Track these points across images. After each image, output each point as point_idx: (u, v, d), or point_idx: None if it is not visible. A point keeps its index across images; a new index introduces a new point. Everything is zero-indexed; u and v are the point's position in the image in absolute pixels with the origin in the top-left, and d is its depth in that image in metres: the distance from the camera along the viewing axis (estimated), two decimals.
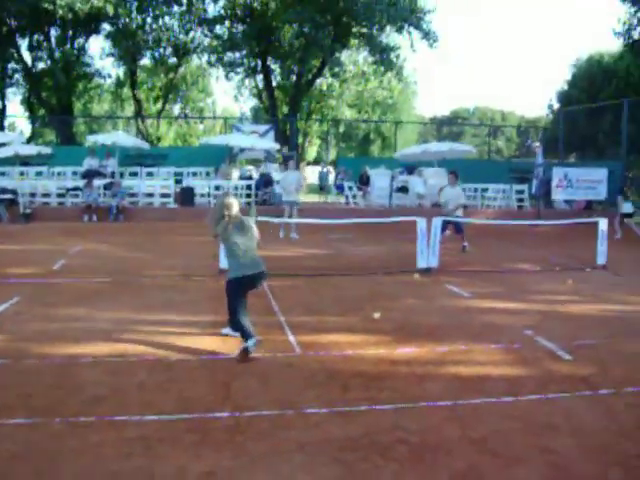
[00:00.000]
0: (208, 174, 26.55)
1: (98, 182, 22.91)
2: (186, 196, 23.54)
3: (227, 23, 34.50)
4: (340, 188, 27.85)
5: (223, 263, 11.84)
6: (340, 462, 4.67)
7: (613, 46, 35.56)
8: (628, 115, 29.21)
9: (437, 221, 12.84)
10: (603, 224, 13.96)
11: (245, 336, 7.16)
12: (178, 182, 25.26)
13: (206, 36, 36.57)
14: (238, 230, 7.42)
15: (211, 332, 8.05)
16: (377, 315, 8.89)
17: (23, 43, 37.54)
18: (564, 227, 18.99)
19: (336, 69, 36.43)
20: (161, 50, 39.60)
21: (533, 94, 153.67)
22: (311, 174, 44.36)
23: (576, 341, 7.99)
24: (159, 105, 45.67)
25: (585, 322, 9.07)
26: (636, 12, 31.61)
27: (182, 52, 39.88)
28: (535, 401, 5.97)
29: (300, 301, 9.96)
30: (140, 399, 5.83)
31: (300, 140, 43.42)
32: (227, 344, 7.49)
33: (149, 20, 36.72)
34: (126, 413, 5.49)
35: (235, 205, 7.53)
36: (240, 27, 34.62)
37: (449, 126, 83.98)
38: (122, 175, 25.29)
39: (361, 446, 4.92)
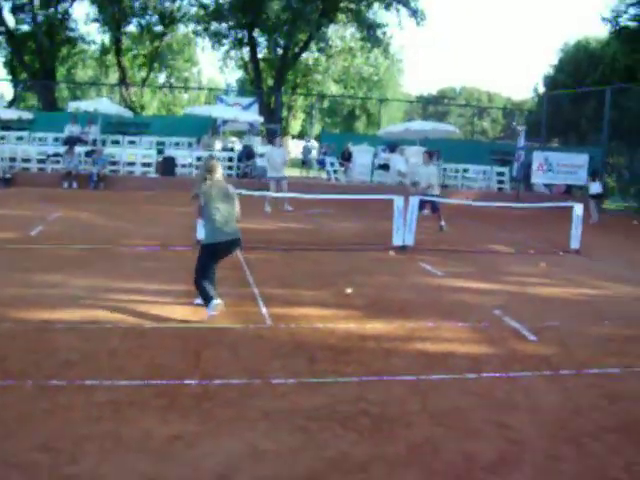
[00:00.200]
0: (190, 144, 26.49)
1: (79, 149, 22.85)
2: (167, 166, 23.54)
3: None
4: (322, 163, 27.93)
5: (200, 234, 11.98)
6: (302, 430, 4.82)
7: (600, 32, 35.78)
8: (612, 102, 29.43)
9: (414, 200, 12.99)
10: (578, 209, 14.16)
11: (204, 297, 7.39)
12: (160, 152, 25.21)
13: (192, 5, 36.32)
14: (219, 195, 7.50)
15: (185, 301, 8.17)
16: (349, 290, 9.05)
17: (6, 5, 37.02)
18: (542, 210, 19.23)
19: (322, 44, 36.33)
20: (147, 17, 39.26)
21: (520, 77, 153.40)
22: (295, 148, 44.37)
23: (542, 322, 8.19)
24: (144, 73, 45.36)
25: (553, 304, 9.27)
26: None
27: (168, 20, 39.55)
28: (497, 379, 6.15)
29: (275, 274, 10.10)
30: (111, 364, 5.95)
31: (284, 114, 43.34)
32: (200, 313, 7.60)
33: None
34: (97, 377, 5.61)
35: (218, 169, 7.67)
36: None
37: (435, 105, 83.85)
38: (104, 143, 25.19)
39: (324, 416, 5.08)
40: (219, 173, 7.66)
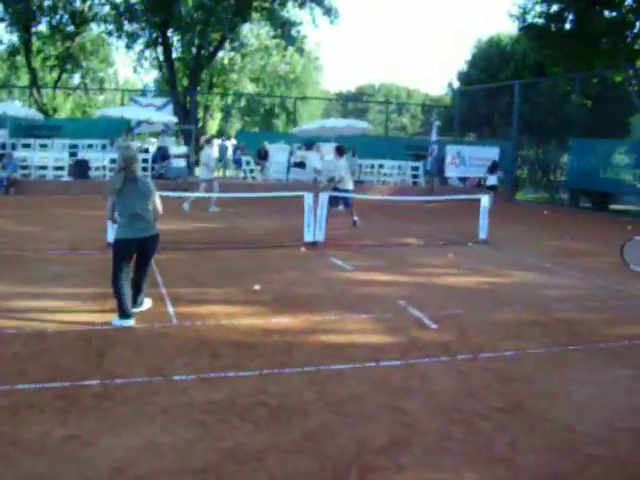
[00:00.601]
0: (104, 147, 26.12)
1: None
2: (80, 169, 23.18)
3: None
4: (238, 162, 27.93)
5: (110, 236, 11.91)
6: (199, 424, 4.92)
7: (512, 28, 36.63)
8: (523, 97, 30.32)
9: (324, 196, 13.18)
10: (485, 200, 14.59)
11: (118, 305, 7.28)
12: (73, 155, 24.79)
13: (103, 4, 35.71)
14: (134, 188, 7.28)
15: (91, 304, 8.13)
16: (257, 287, 9.15)
17: None
18: (454, 203, 19.71)
19: (237, 43, 36.26)
20: (57, 17, 38.38)
21: (438, 73, 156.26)
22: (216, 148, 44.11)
23: (444, 311, 8.47)
24: (56, 75, 44.37)
25: (456, 293, 9.58)
26: None
27: (79, 20, 38.75)
28: (395, 366, 6.36)
29: (184, 274, 10.13)
30: (12, 369, 5.91)
31: (201, 114, 43.08)
32: (105, 315, 7.60)
33: None
34: None
35: (136, 160, 7.39)
36: None
37: (354, 102, 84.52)
38: (14, 147, 24.58)
39: (222, 409, 5.19)
40: (136, 165, 7.37)
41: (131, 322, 7.28)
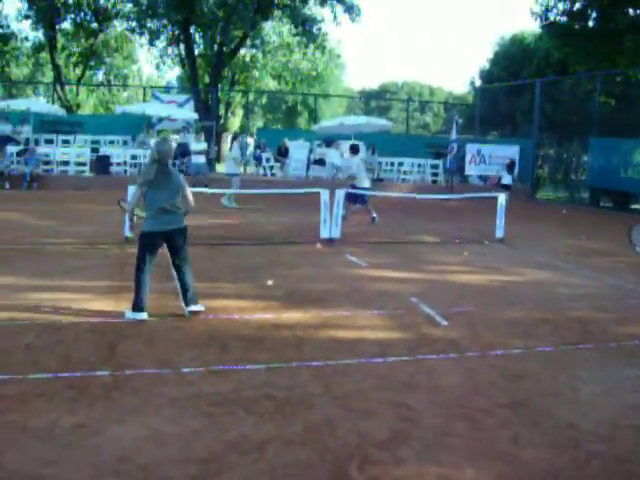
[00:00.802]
0: (126, 143, 26.38)
1: (11, 149, 22.57)
2: (102, 164, 23.45)
3: None
4: (258, 159, 28.06)
5: (128, 231, 12.06)
6: (206, 415, 5.01)
7: (535, 26, 36.45)
8: (545, 94, 30.22)
9: (340, 193, 13.25)
10: (502, 199, 14.58)
11: (134, 299, 7.33)
12: (95, 150, 25.06)
13: (127, 1, 35.98)
14: (165, 181, 7.30)
15: (105, 297, 8.26)
16: (270, 282, 9.25)
17: None
18: (473, 201, 19.69)
19: (258, 40, 36.41)
20: (81, 14, 38.74)
21: (461, 71, 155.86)
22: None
23: (455, 308, 8.51)
24: (79, 71, 44.75)
25: (469, 291, 9.61)
26: None
27: (102, 17, 39.10)
28: (402, 362, 6.41)
29: (198, 268, 10.09)
30: (25, 359, 6.04)
31: (222, 111, 43.25)
32: (119, 307, 7.73)
33: None
34: (9, 372, 5.70)
35: (170, 153, 7.51)
36: None
37: (377, 100, 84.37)
38: (37, 142, 24.91)
39: (228, 401, 5.27)
40: (169, 158, 7.49)
41: (144, 316, 7.33)
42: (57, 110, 27.35)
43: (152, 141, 25.87)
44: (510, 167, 22.92)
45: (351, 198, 15.83)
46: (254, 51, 41.42)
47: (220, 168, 29.40)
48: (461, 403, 5.50)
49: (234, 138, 20.97)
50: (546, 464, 4.54)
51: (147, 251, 7.38)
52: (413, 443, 4.73)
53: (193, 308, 7.54)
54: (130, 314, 7.34)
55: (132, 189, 12.21)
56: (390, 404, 5.39)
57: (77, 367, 5.88)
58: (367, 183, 16.54)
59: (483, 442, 4.82)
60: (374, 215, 16.41)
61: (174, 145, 26.14)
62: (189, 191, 7.56)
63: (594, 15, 31.41)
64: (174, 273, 7.58)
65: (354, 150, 16.92)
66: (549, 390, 5.89)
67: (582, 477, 4.41)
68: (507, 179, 22.59)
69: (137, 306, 7.34)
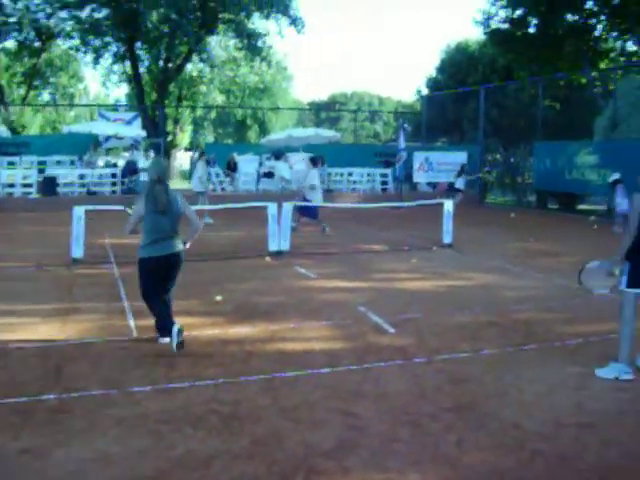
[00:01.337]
0: (73, 163, 26.07)
1: None
2: (49, 186, 23.15)
3: (89, 8, 33.57)
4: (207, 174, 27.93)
5: (75, 252, 11.96)
6: (153, 433, 5.00)
7: (479, 34, 37.05)
8: (491, 100, 30.72)
9: (288, 206, 13.29)
10: (448, 205, 14.78)
11: (157, 325, 7.04)
12: (41, 171, 24.73)
13: (69, 20, 35.58)
14: (161, 204, 6.94)
15: (52, 320, 8.17)
16: (219, 298, 9.24)
17: None
18: (423, 209, 19.84)
19: (204, 55, 36.36)
20: (24, 33, 38.24)
21: (410, 80, 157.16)
22: (185, 161, 44.14)
23: (403, 315, 8.60)
24: (24, 91, 44.23)
25: (417, 298, 9.72)
26: (495, 1, 32.94)
27: (45, 36, 38.68)
28: (350, 371, 6.47)
29: None
30: None
31: (171, 127, 43.06)
32: (65, 330, 7.66)
33: (6, 1, 35.12)
34: None
35: (168, 173, 7.34)
36: (105, 11, 33.84)
37: (326, 111, 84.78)
38: None
39: (175, 418, 5.27)
40: (166, 177, 7.13)
41: (172, 340, 6.75)
42: (1, 131, 26.92)
43: (100, 160, 25.73)
44: (460, 172, 23.44)
45: (302, 210, 16.03)
46: (201, 66, 41.32)
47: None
48: (407, 409, 5.58)
49: (200, 155, 20.92)
50: (491, 466, 4.63)
51: (149, 278, 7.05)
52: (359, 451, 4.78)
53: (176, 327, 6.72)
54: (161, 339, 7.08)
55: (77, 210, 12.16)
56: (338, 413, 5.44)
57: (22, 392, 5.81)
58: (320, 196, 16.80)
59: (428, 447, 4.90)
60: (324, 225, 16.53)
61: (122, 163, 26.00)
62: (192, 210, 7.40)
63: (534, 22, 32.08)
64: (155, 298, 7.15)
65: (315, 162, 17.28)
66: (494, 392, 5.99)
67: (527, 477, 4.50)
68: (459, 183, 23.10)
69: (165, 330, 6.87)
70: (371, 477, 4.43)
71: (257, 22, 36.02)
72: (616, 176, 18.61)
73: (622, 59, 32.09)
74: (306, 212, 16.39)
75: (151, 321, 8.01)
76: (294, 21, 34.50)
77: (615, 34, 32.23)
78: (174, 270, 7.16)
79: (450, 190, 23.36)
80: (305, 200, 16.31)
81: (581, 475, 4.50)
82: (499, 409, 5.60)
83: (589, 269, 7.19)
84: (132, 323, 8.07)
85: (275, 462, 4.58)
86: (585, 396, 5.89)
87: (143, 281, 7.07)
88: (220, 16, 34.38)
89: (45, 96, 53.39)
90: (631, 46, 32.21)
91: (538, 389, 6.07)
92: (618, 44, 33.31)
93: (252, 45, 33.94)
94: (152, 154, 20.00)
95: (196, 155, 20.40)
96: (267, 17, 34.74)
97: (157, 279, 7.06)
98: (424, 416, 5.44)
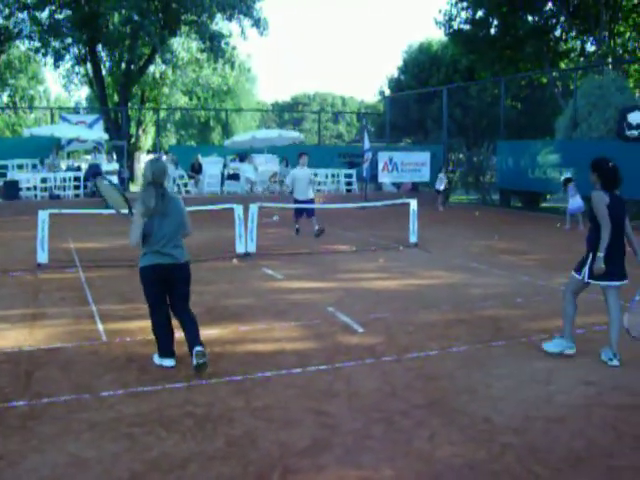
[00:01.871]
0: (35, 166, 25.80)
1: None
2: (10, 190, 22.88)
3: (49, 9, 33.22)
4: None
5: (41, 257, 11.85)
6: (126, 437, 5.00)
7: (441, 34, 37.29)
8: (454, 100, 31.01)
9: (254, 207, 13.30)
10: (413, 204, 14.90)
11: (157, 344, 6.63)
12: (2, 175, 24.45)
13: (27, 21, 35.15)
14: (164, 206, 6.33)
15: (20, 326, 8.10)
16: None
17: None
18: (388, 209, 19.99)
19: (167, 57, 36.15)
20: None
21: (372, 80, 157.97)
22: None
23: (371, 315, 8.67)
24: None
25: (384, 297, 9.80)
26: (457, 3, 33.24)
27: (3, 37, 38.15)
28: (321, 371, 6.52)
29: (115, 290, 10.14)
30: None
31: (134, 129, 42.75)
32: (34, 336, 7.61)
33: None
34: None
35: (166, 174, 6.60)
36: (66, 12, 33.49)
37: (290, 112, 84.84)
38: None
39: (149, 421, 5.27)
40: (166, 182, 6.54)
41: (169, 362, 6.52)
42: None
43: (62, 163, 25.47)
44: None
45: (300, 212, 16.30)
46: (163, 67, 41.09)
47: (134, 187, 29.08)
48: (379, 407, 5.64)
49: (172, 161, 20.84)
50: (463, 459, 4.70)
51: (151, 290, 6.49)
52: (333, 449, 4.83)
53: (197, 349, 6.29)
54: (156, 359, 6.62)
55: (42, 217, 12.04)
56: (310, 413, 5.49)
57: None
58: (299, 196, 16.73)
59: (401, 443, 4.96)
60: (298, 227, 16.73)
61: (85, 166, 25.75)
62: (187, 217, 6.69)
63: (496, 23, 32.45)
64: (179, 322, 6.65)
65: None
66: (464, 388, 6.08)
67: (498, 469, 4.58)
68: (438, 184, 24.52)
69: (160, 350, 6.58)
70: (346, 474, 4.47)
71: (220, 23, 35.96)
72: (567, 175, 19.08)
73: (581, 59, 32.59)
74: (303, 212, 16.50)
75: (121, 325, 8.07)
76: (257, 22, 34.49)
77: (574, 35, 32.73)
78: (179, 283, 6.53)
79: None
80: (300, 202, 16.48)
81: (551, 466, 4.59)
82: (469, 404, 5.69)
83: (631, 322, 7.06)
84: (101, 327, 8.03)
85: (251, 462, 4.61)
86: (553, 390, 6.01)
87: (146, 293, 6.54)
88: (182, 17, 34.24)
89: (4, 98, 52.72)
90: (590, 47, 32.74)
91: (507, 384, 6.17)
92: (577, 44, 33.83)
93: (215, 47, 33.82)
94: (114, 156, 19.85)
95: (164, 158, 20.10)
96: (230, 19, 34.70)
97: (160, 291, 6.50)
98: (396, 413, 5.50)
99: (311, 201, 16.71)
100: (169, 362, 6.51)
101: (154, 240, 6.32)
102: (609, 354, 6.75)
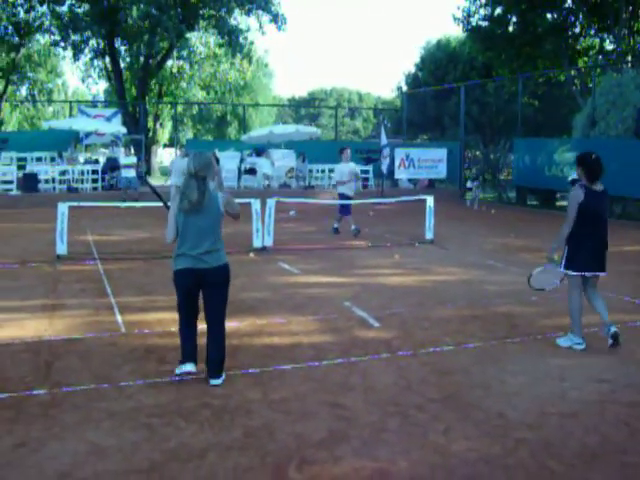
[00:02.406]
0: (53, 159, 25.99)
1: None
2: (29, 182, 23.07)
3: (69, 3, 33.37)
4: None
5: (60, 249, 11.98)
6: (146, 427, 5.08)
7: (459, 31, 37.23)
8: (471, 97, 30.90)
9: (271, 202, 13.38)
10: (430, 201, 14.92)
11: (181, 350, 6.11)
12: (21, 168, 24.66)
13: (48, 15, 35.37)
14: (198, 205, 5.88)
15: (39, 316, 8.21)
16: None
17: None
18: (405, 205, 19.98)
19: (185, 51, 36.27)
20: (1, 28, 37.99)
21: (390, 75, 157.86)
22: (169, 157, 44.01)
23: (387, 310, 8.73)
24: (1, 87, 43.88)
25: (400, 293, 9.84)
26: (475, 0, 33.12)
27: (24, 31, 38.43)
28: (337, 364, 6.58)
29: (133, 283, 10.25)
30: None
31: (151, 123, 42.93)
32: (53, 326, 7.71)
33: None
34: None
35: (210, 168, 6.07)
36: (85, 6, 33.65)
37: (306, 107, 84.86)
38: None
39: (168, 412, 5.35)
40: (209, 177, 6.01)
41: (189, 368, 5.98)
42: None
43: (81, 156, 25.65)
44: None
45: (347, 208, 15.83)
46: (181, 62, 41.23)
47: (151, 181, 29.20)
48: (394, 400, 5.69)
49: (185, 155, 20.80)
50: (478, 453, 4.75)
51: (181, 295, 6.03)
52: (350, 441, 4.89)
53: (212, 382, 5.97)
54: (177, 370, 6.06)
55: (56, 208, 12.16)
56: (326, 405, 5.55)
57: (14, 387, 5.86)
58: (344, 190, 16.23)
59: (417, 436, 5.02)
60: (356, 226, 15.91)
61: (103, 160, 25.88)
62: (232, 200, 6.28)
63: (514, 20, 32.30)
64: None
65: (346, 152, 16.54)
66: (479, 383, 6.12)
67: (512, 463, 4.62)
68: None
69: (181, 357, 6.09)
70: (362, 466, 4.53)
71: (238, 18, 36.04)
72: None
73: (600, 57, 32.42)
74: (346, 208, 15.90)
75: (139, 316, 8.17)
76: (275, 17, 34.53)
77: (593, 32, 32.56)
78: (213, 289, 6.05)
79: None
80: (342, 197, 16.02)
81: (565, 461, 4.63)
82: (484, 399, 5.73)
83: (535, 276, 7.66)
84: (119, 319, 8.13)
85: (268, 453, 4.68)
86: (567, 387, 6.04)
87: (177, 297, 6.09)
88: (201, 12, 34.33)
89: (23, 91, 53.04)
90: (609, 44, 32.55)
91: (522, 380, 6.21)
92: (596, 42, 33.65)
93: (233, 41, 33.88)
94: (132, 150, 19.97)
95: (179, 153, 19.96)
96: (248, 13, 34.76)
97: (188, 298, 6.02)
98: (411, 407, 5.56)
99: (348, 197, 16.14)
100: (188, 367, 5.97)
101: (186, 240, 5.90)
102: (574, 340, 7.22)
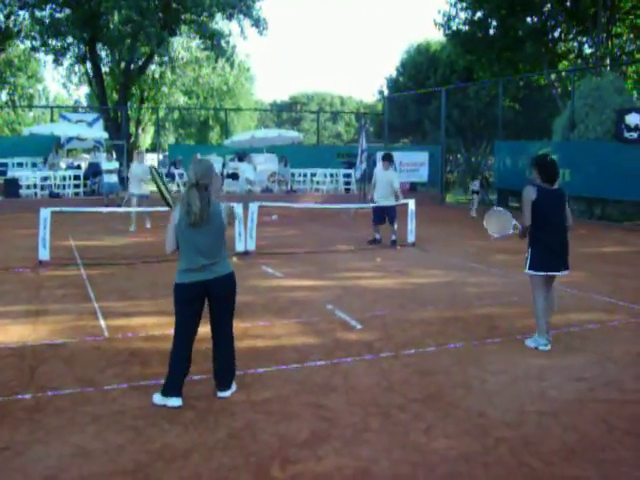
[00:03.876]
0: (35, 165, 25.91)
1: None
2: (11, 188, 22.99)
3: (50, 8, 33.22)
4: (171, 176, 27.93)
5: (42, 254, 11.97)
6: (130, 429, 5.13)
7: (440, 35, 37.44)
8: (452, 101, 31.08)
9: (254, 206, 13.44)
10: (412, 204, 15.03)
11: (166, 379, 5.67)
12: (2, 173, 24.55)
13: (28, 20, 35.19)
14: (205, 213, 5.53)
15: (23, 322, 8.23)
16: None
17: None
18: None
19: (166, 56, 36.20)
20: None
21: (371, 79, 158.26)
22: (151, 162, 43.86)
23: (369, 312, 8.81)
24: None
25: (382, 295, 9.93)
26: (456, 3, 33.33)
27: (3, 36, 38.19)
28: (320, 366, 6.66)
29: (116, 288, 10.27)
30: None
31: (133, 128, 42.82)
32: (37, 331, 7.73)
33: None
34: None
35: (212, 176, 5.71)
36: (66, 11, 33.51)
37: (288, 112, 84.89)
38: None
39: (152, 414, 5.40)
40: (211, 185, 5.63)
41: (173, 403, 5.55)
42: None
43: (62, 162, 25.58)
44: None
45: (380, 217, 15.14)
46: (163, 67, 41.14)
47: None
48: (376, 401, 5.77)
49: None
50: (457, 451, 4.84)
51: (180, 312, 5.72)
52: (332, 441, 4.96)
53: (220, 394, 5.83)
54: (157, 398, 5.64)
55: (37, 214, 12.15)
56: (309, 406, 5.62)
57: None
58: (376, 197, 15.32)
59: (398, 435, 5.09)
60: (378, 236, 15.43)
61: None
62: (232, 208, 6.07)
63: (495, 24, 32.54)
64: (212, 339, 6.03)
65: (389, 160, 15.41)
66: (459, 383, 6.22)
67: (491, 460, 4.71)
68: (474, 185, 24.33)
69: (165, 388, 5.65)
70: (344, 464, 4.60)
71: (220, 23, 36.06)
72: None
73: (579, 61, 32.72)
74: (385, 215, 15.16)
75: (122, 321, 8.21)
76: (256, 22, 34.56)
77: (572, 36, 32.86)
78: (221, 301, 5.86)
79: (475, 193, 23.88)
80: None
81: (544, 459, 4.72)
82: (465, 399, 5.82)
83: (492, 212, 7.81)
84: (103, 323, 8.16)
85: (251, 453, 4.74)
86: (546, 386, 6.14)
87: (176, 315, 5.76)
88: (182, 17, 34.32)
89: (3, 97, 52.76)
90: (588, 48, 32.85)
91: (502, 380, 6.31)
92: (576, 46, 33.95)
93: (215, 46, 33.89)
94: (114, 155, 19.93)
95: (141, 154, 19.30)
96: (230, 18, 34.78)
97: (188, 315, 5.69)
98: (393, 407, 5.64)
99: (392, 207, 15.08)
100: (174, 401, 5.55)
101: (190, 253, 5.61)
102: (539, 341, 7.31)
